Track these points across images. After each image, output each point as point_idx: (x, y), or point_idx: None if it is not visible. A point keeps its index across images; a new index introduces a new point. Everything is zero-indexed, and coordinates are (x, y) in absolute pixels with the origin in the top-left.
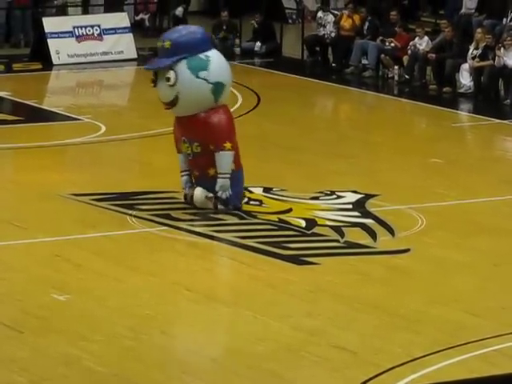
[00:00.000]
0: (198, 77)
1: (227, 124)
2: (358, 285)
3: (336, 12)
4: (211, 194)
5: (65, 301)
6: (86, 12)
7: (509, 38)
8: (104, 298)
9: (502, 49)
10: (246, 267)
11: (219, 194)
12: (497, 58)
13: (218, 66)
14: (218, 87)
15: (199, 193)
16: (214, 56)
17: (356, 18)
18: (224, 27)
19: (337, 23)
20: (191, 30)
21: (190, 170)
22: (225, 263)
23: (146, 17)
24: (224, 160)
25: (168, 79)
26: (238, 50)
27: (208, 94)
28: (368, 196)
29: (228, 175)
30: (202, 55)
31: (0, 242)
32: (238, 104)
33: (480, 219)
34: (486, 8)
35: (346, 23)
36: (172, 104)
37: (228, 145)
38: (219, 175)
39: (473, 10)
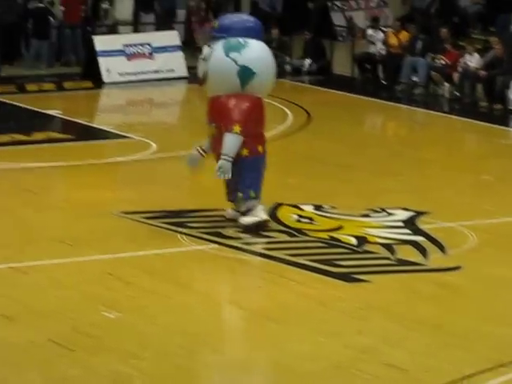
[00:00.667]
0: (227, 56)
1: (243, 109)
2: (409, 302)
3: (386, 29)
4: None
5: (115, 319)
6: (136, 30)
7: None
8: (155, 315)
9: None
10: (296, 285)
11: (218, 175)
12: None
13: (253, 54)
14: (245, 72)
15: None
16: (254, 44)
17: (404, 35)
18: (274, 45)
19: (386, 39)
20: (242, 17)
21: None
22: (275, 281)
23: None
24: (228, 141)
25: (202, 53)
26: (288, 68)
27: (233, 76)
28: (418, 213)
29: (230, 158)
30: (241, 39)
31: (52, 260)
32: (288, 122)
33: None
34: None
35: (393, 40)
36: (203, 81)
37: (237, 128)
38: (222, 156)
39: None
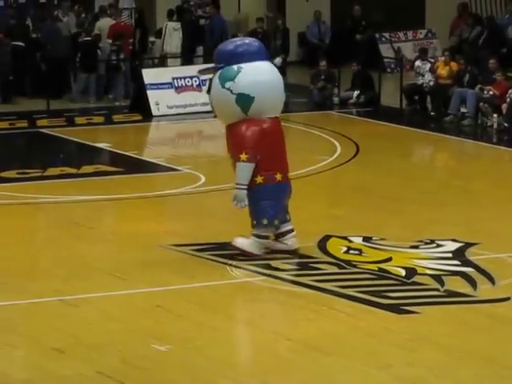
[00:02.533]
0: (223, 87)
1: (246, 135)
2: (459, 334)
3: (434, 60)
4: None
5: (165, 351)
6: (185, 63)
7: None
8: (204, 347)
9: None
10: (346, 316)
11: (234, 204)
12: None
13: (248, 78)
14: (242, 99)
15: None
16: (250, 68)
17: (453, 65)
18: (322, 77)
19: (433, 71)
20: (240, 41)
21: None
22: (325, 313)
23: None
24: (238, 170)
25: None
26: (336, 100)
27: (233, 105)
28: (468, 244)
29: (243, 186)
30: (235, 66)
31: (101, 293)
32: (337, 153)
33: None
34: None
35: (443, 71)
36: (212, 112)
37: (243, 156)
38: (236, 185)
39: None
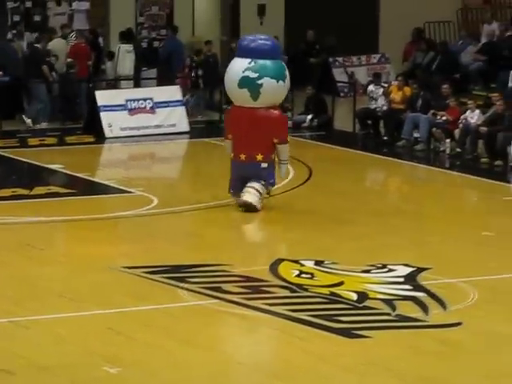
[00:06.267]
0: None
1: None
2: (410, 358)
3: (387, 85)
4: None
5: (116, 374)
6: (138, 85)
7: None
8: (156, 370)
9: None
10: (297, 340)
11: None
12: None
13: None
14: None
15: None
16: (237, 62)
17: (407, 90)
18: None
19: (387, 95)
20: (255, 37)
21: None
22: (277, 336)
23: (189, 97)
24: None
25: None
26: (289, 123)
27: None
28: (420, 269)
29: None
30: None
31: (53, 315)
32: (290, 177)
33: None
34: None
35: (396, 96)
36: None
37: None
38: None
39: None
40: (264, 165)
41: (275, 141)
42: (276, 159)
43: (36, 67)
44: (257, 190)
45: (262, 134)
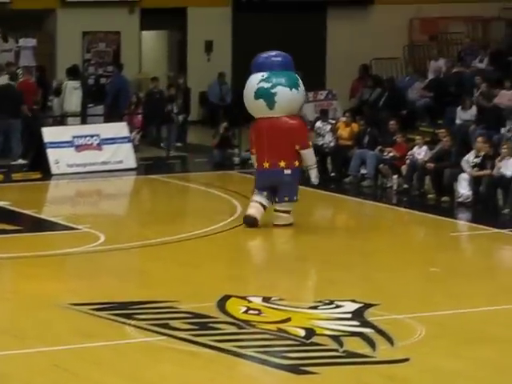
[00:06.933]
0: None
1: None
2: None
3: (334, 122)
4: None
5: None
6: (84, 122)
7: (505, 147)
8: None
9: (500, 158)
10: (245, 377)
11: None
12: (496, 167)
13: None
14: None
15: None
16: (252, 78)
17: (354, 126)
18: (223, 136)
19: (334, 131)
20: (268, 54)
21: None
22: (225, 373)
23: (135, 134)
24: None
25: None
26: (236, 160)
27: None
28: (367, 305)
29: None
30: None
31: None
32: (237, 214)
33: (479, 328)
34: (484, 119)
35: (343, 132)
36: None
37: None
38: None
39: (468, 122)
40: (287, 171)
41: (297, 147)
42: (302, 167)
43: None
44: (261, 205)
45: (283, 141)
